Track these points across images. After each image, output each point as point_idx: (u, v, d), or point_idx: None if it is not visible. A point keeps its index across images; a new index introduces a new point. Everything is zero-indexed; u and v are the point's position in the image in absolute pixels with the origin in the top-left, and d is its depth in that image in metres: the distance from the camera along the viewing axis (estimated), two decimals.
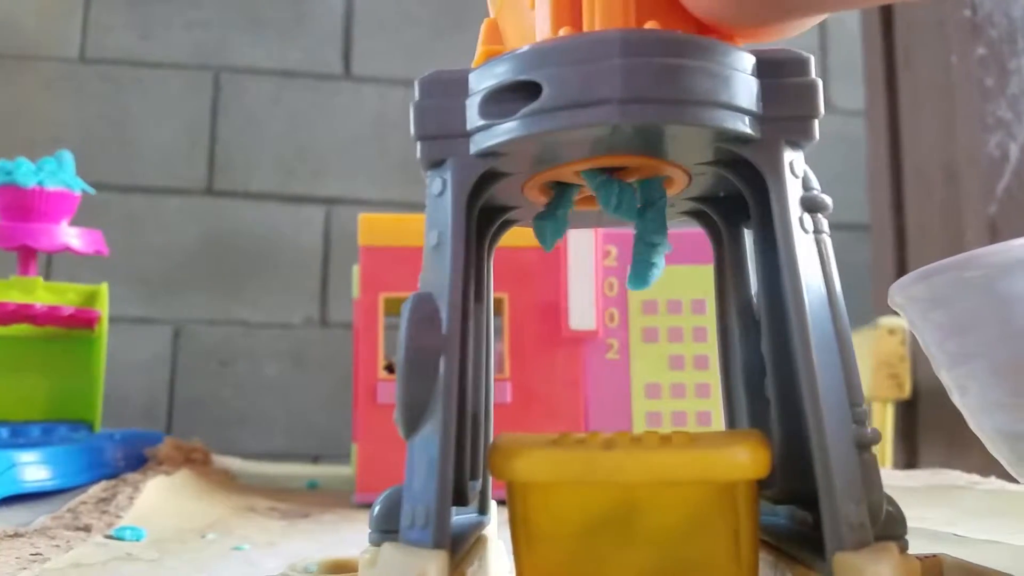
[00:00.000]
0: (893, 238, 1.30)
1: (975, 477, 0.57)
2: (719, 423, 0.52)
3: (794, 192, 0.19)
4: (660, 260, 0.22)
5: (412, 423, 0.19)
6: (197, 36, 1.33)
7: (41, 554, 0.33)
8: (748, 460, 0.18)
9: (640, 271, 0.22)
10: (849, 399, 0.19)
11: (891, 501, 0.19)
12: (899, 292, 0.28)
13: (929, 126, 1.24)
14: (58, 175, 0.62)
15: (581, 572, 0.19)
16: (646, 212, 0.22)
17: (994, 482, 0.55)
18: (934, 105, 1.23)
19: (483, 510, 0.25)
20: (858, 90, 1.42)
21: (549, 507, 0.19)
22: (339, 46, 1.36)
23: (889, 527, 0.19)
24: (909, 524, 0.36)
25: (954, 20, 1.17)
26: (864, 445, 0.19)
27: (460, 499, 0.21)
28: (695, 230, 0.26)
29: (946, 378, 0.29)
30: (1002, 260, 0.24)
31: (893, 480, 0.60)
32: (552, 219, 0.23)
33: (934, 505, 0.48)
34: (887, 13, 1.33)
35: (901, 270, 1.27)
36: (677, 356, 0.53)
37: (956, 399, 0.29)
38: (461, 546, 0.21)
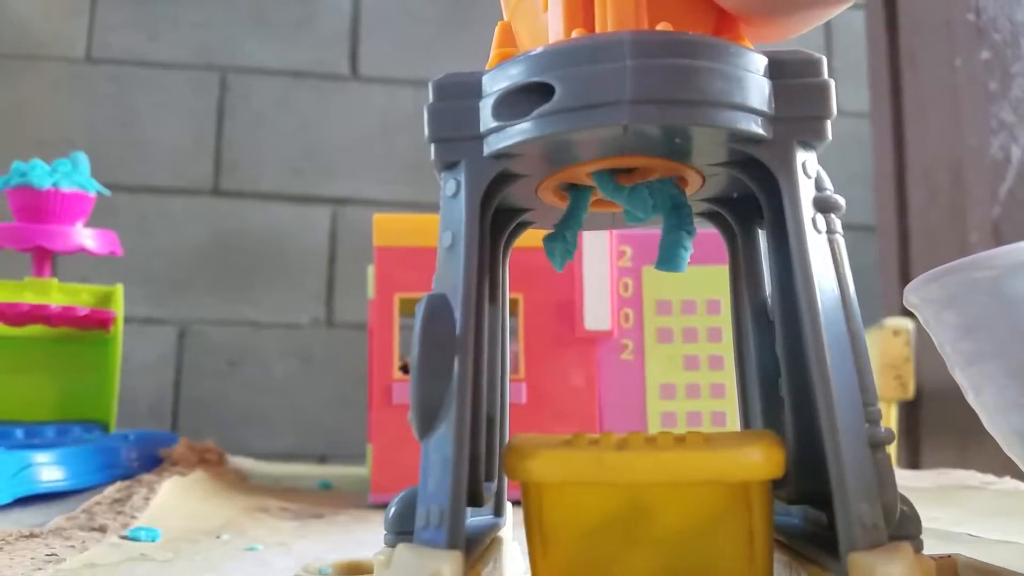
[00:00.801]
0: (898, 240, 1.30)
1: (989, 477, 0.57)
2: (734, 423, 0.52)
3: (806, 192, 0.20)
4: (690, 244, 0.22)
5: (427, 423, 0.19)
6: (204, 36, 1.33)
7: (56, 554, 0.33)
8: (762, 461, 0.18)
9: (673, 254, 0.22)
10: (863, 399, 0.19)
11: (905, 501, 0.19)
12: (913, 292, 0.29)
13: (934, 129, 1.24)
14: (73, 176, 0.63)
15: (596, 572, 0.20)
16: (679, 208, 0.22)
17: (1008, 482, 0.55)
18: (938, 108, 1.23)
19: (499, 511, 0.25)
20: (863, 92, 1.42)
21: (563, 507, 0.19)
22: (346, 46, 1.36)
23: (904, 527, 0.19)
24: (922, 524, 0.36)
25: (958, 23, 1.17)
26: (877, 445, 0.19)
27: (475, 500, 0.21)
28: (709, 230, 0.26)
29: (960, 378, 0.29)
30: (1012, 261, 0.24)
31: (904, 480, 0.60)
32: (562, 240, 0.23)
33: (946, 505, 0.48)
34: (892, 16, 1.33)
35: (906, 272, 1.27)
36: (692, 356, 0.53)
37: (971, 398, 0.29)
38: (476, 547, 0.21)
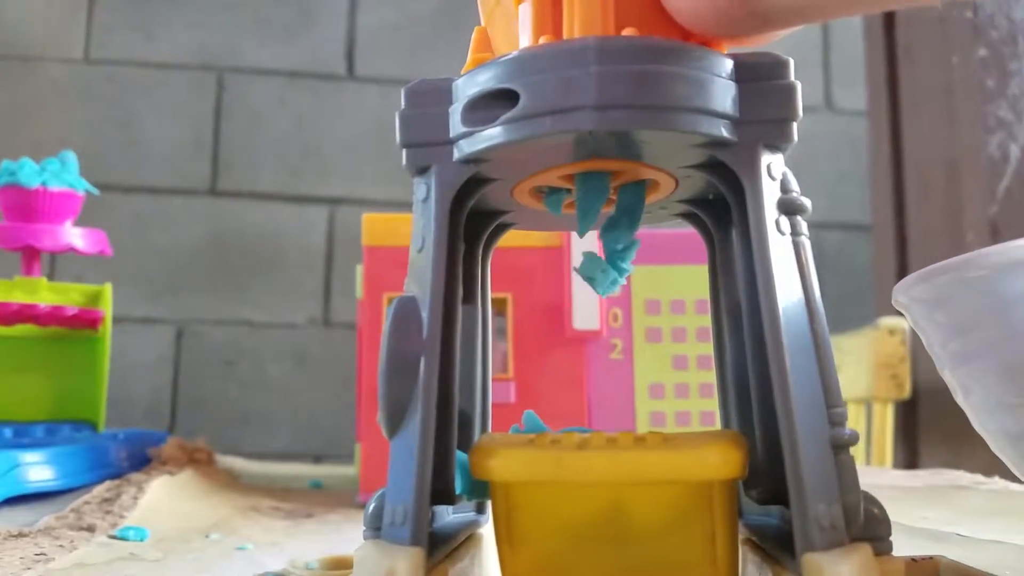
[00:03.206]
0: (895, 239, 1.30)
1: (979, 477, 0.57)
2: None
3: (770, 195, 0.20)
4: (623, 263, 0.22)
5: (394, 424, 0.20)
6: (201, 37, 1.33)
7: (45, 554, 0.33)
8: (719, 461, 0.18)
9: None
10: (826, 400, 0.19)
11: (876, 503, 0.19)
12: (902, 292, 0.28)
13: (930, 127, 1.24)
14: (61, 175, 0.62)
15: (563, 571, 0.20)
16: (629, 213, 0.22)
17: (997, 482, 0.55)
18: (935, 106, 1.23)
19: (481, 509, 0.25)
20: (860, 90, 1.42)
21: (529, 507, 0.20)
22: (343, 47, 1.36)
23: (871, 528, 0.19)
24: (911, 524, 0.36)
25: (955, 21, 1.17)
26: (840, 446, 0.19)
27: (445, 498, 0.22)
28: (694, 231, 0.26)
29: (949, 378, 0.29)
30: (1002, 261, 0.24)
31: (896, 480, 0.60)
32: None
33: (937, 505, 0.48)
34: (889, 13, 1.33)
35: (902, 271, 1.27)
36: (681, 356, 0.53)
37: (960, 399, 0.29)
38: (446, 544, 0.21)
